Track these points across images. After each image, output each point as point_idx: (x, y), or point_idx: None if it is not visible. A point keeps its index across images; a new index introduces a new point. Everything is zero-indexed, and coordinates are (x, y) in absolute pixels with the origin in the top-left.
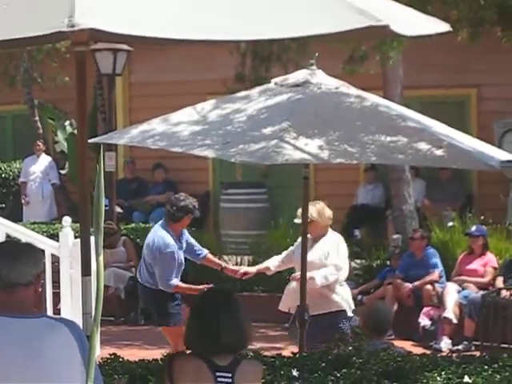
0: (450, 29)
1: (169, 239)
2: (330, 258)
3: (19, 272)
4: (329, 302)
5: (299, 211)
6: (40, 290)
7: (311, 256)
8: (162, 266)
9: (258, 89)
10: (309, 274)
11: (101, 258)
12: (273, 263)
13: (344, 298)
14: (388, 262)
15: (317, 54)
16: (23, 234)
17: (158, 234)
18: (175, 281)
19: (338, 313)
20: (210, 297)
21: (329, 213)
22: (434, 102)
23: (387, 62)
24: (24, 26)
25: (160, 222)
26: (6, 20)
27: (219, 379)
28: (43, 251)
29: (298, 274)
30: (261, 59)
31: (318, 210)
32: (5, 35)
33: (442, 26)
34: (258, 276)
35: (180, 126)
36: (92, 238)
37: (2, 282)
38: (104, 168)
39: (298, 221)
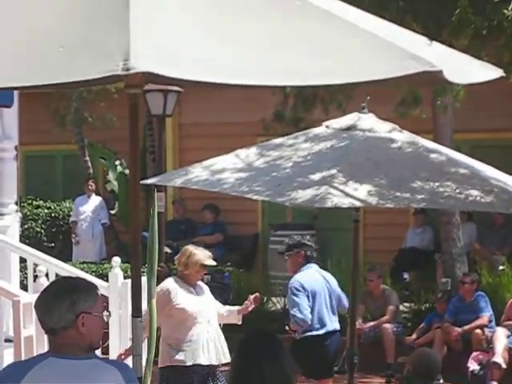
0: (503, 74)
1: None
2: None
3: (56, 317)
4: None
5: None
6: (84, 329)
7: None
8: None
9: (300, 135)
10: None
11: (154, 300)
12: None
13: None
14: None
15: (368, 97)
16: (73, 273)
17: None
18: None
19: None
20: (252, 340)
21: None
22: (484, 146)
23: (443, 107)
24: (79, 69)
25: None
26: (62, 63)
27: None
28: (85, 287)
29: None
30: (303, 100)
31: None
32: (61, 78)
33: (495, 72)
34: None
35: (225, 173)
36: (143, 279)
37: (44, 326)
38: (154, 211)
39: (209, 262)
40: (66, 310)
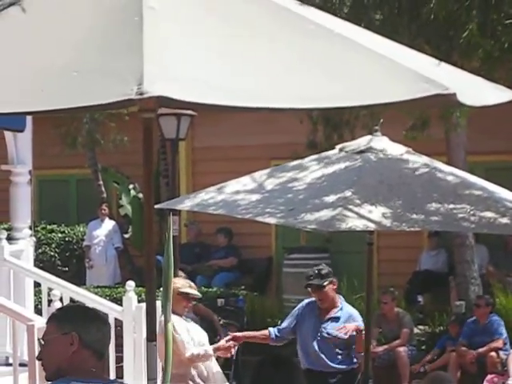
0: None
1: None
2: None
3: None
4: None
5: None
6: None
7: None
8: None
9: (313, 157)
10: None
11: (170, 325)
12: (273, 330)
13: None
14: None
15: (381, 120)
16: (87, 298)
17: None
18: None
19: None
20: (268, 363)
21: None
22: (498, 168)
23: (453, 129)
24: (93, 94)
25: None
26: (76, 87)
27: None
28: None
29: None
30: (333, 126)
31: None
32: (74, 103)
33: (508, 94)
34: None
35: (240, 195)
36: (157, 303)
37: (104, 349)
38: (169, 235)
39: (189, 291)
40: None
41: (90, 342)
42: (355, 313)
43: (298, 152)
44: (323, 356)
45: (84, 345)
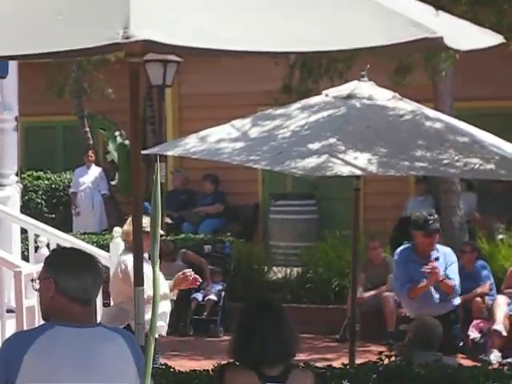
0: (504, 41)
1: None
2: None
3: (98, 288)
4: None
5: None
6: None
7: None
8: None
9: (296, 105)
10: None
11: (157, 267)
12: None
13: None
14: None
15: (368, 65)
16: (74, 244)
17: None
18: None
19: None
20: (255, 307)
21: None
22: (484, 114)
23: (438, 74)
24: (79, 38)
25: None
26: (61, 31)
27: None
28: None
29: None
30: (309, 71)
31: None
32: (60, 46)
33: (495, 39)
34: (305, 287)
35: (222, 143)
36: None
37: (85, 296)
38: (157, 179)
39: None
40: (101, 282)
41: (64, 289)
42: (448, 250)
43: (275, 97)
44: (440, 297)
45: (59, 291)
